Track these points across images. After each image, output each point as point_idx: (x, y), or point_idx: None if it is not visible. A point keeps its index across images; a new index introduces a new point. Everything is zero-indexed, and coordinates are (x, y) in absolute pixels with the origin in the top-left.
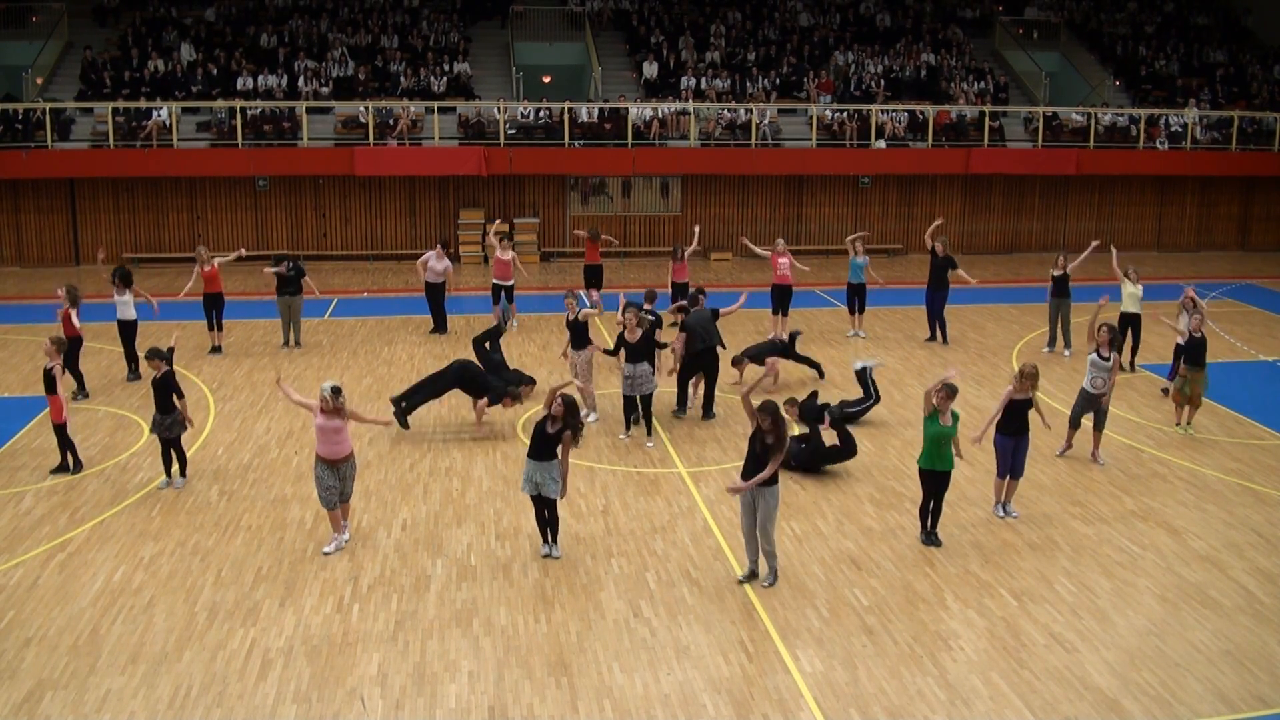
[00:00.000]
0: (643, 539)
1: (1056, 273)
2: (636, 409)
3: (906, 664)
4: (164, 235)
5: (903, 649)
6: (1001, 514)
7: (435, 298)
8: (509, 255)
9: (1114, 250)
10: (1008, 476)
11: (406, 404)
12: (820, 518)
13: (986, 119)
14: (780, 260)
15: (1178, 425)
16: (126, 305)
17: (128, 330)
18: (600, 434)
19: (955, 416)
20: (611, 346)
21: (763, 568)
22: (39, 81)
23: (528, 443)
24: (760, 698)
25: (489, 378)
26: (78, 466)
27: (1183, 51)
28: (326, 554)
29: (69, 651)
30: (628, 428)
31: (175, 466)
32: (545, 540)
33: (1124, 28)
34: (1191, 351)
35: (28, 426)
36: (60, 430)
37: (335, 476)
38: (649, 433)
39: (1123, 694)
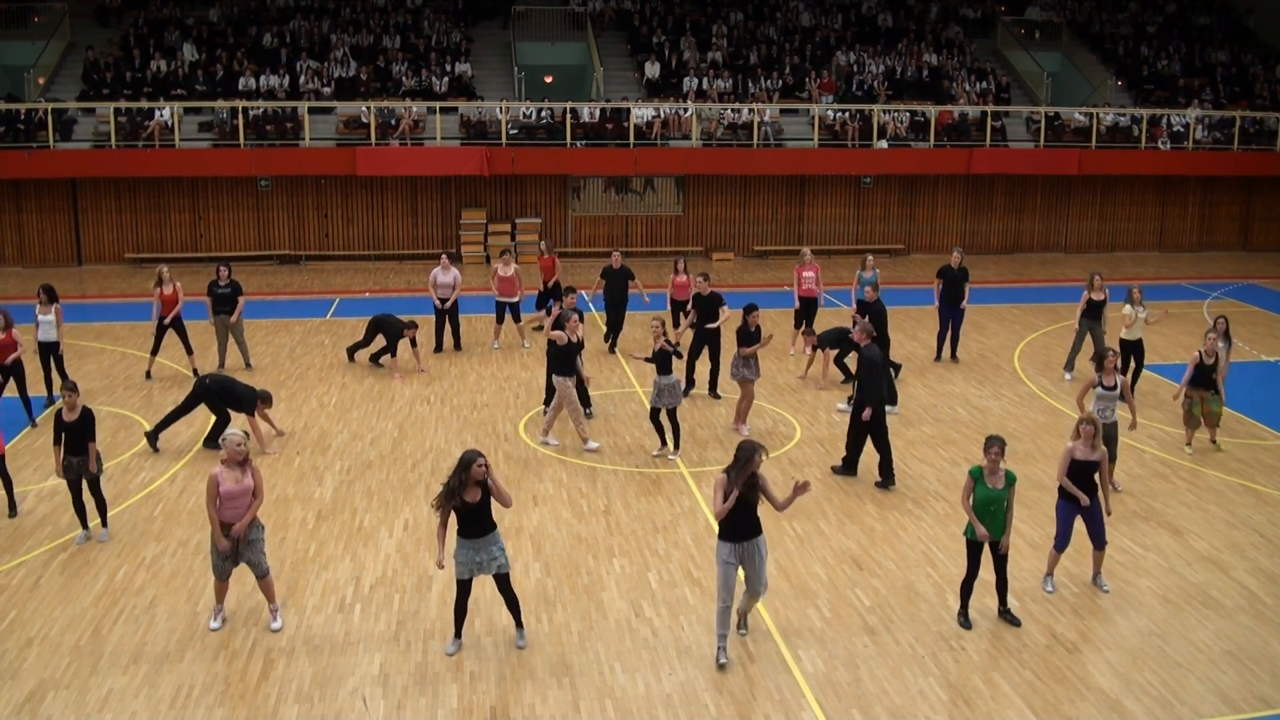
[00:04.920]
0: (644, 539)
1: (1096, 297)
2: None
3: (908, 664)
4: (166, 235)
5: (904, 649)
6: (1049, 588)
7: (442, 315)
8: (511, 271)
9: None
10: (1065, 553)
11: (158, 430)
12: (822, 518)
13: (988, 119)
14: (805, 274)
15: (1187, 445)
16: (49, 325)
17: (49, 352)
18: (604, 434)
19: (1010, 479)
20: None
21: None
22: (41, 81)
23: (530, 444)
24: (762, 698)
25: (238, 388)
26: (10, 511)
27: (1184, 51)
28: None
29: (71, 651)
30: (664, 443)
31: (94, 514)
32: (517, 628)
33: (1126, 28)
34: (1200, 374)
35: (28, 428)
36: None
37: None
38: (671, 443)
39: (1125, 694)
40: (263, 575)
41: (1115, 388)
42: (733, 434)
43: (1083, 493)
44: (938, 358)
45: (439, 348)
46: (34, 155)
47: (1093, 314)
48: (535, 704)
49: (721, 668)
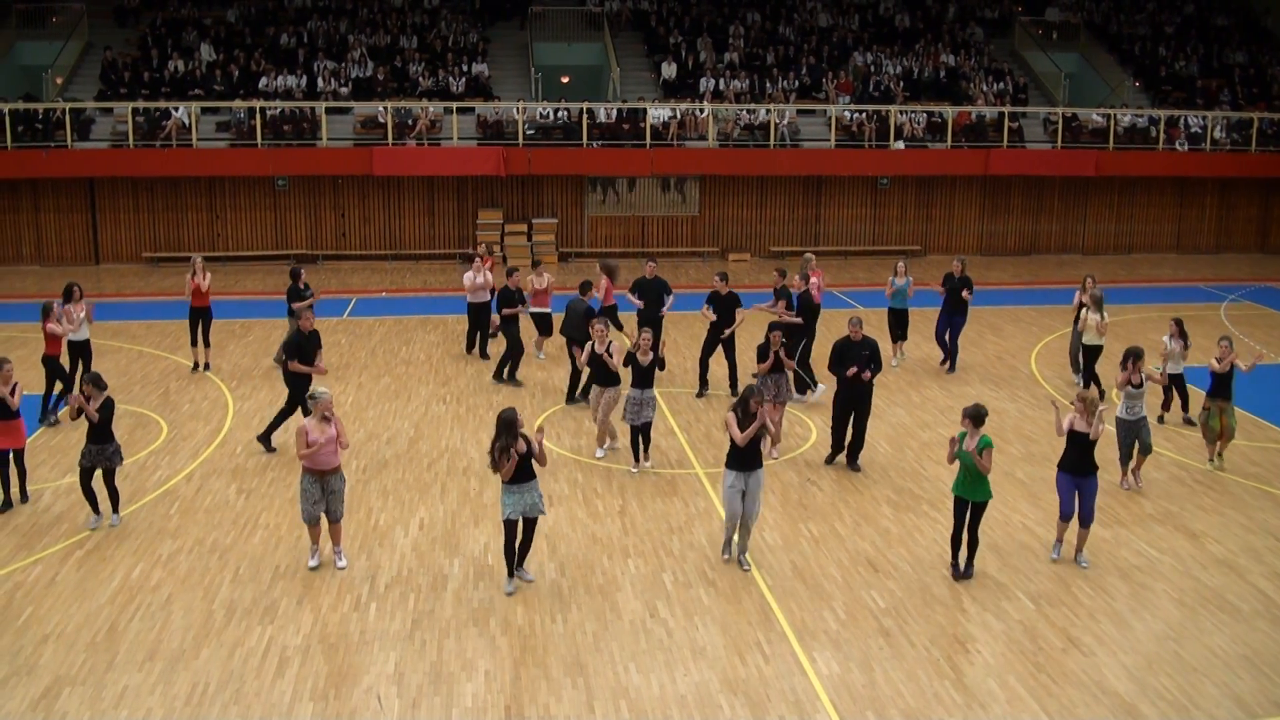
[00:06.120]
0: (659, 540)
1: (1086, 299)
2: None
3: (923, 667)
4: (183, 235)
5: (920, 652)
6: (1057, 555)
7: (477, 318)
8: (545, 282)
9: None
10: (1072, 521)
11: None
12: (838, 519)
13: (1006, 120)
14: (811, 279)
15: (1209, 461)
16: (82, 323)
17: (80, 351)
18: (620, 435)
19: (984, 442)
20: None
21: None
22: (59, 81)
23: (546, 444)
24: (777, 699)
25: (288, 347)
26: (22, 498)
27: (1202, 52)
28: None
29: (87, 648)
30: (638, 460)
31: (106, 504)
32: (518, 566)
33: (1143, 28)
34: (1219, 383)
35: (48, 424)
36: (18, 456)
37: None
38: (647, 456)
39: (1140, 698)
40: (336, 520)
41: (1142, 385)
42: None
43: (1079, 468)
44: (950, 367)
45: (474, 350)
46: (52, 155)
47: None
48: (550, 703)
49: (726, 561)
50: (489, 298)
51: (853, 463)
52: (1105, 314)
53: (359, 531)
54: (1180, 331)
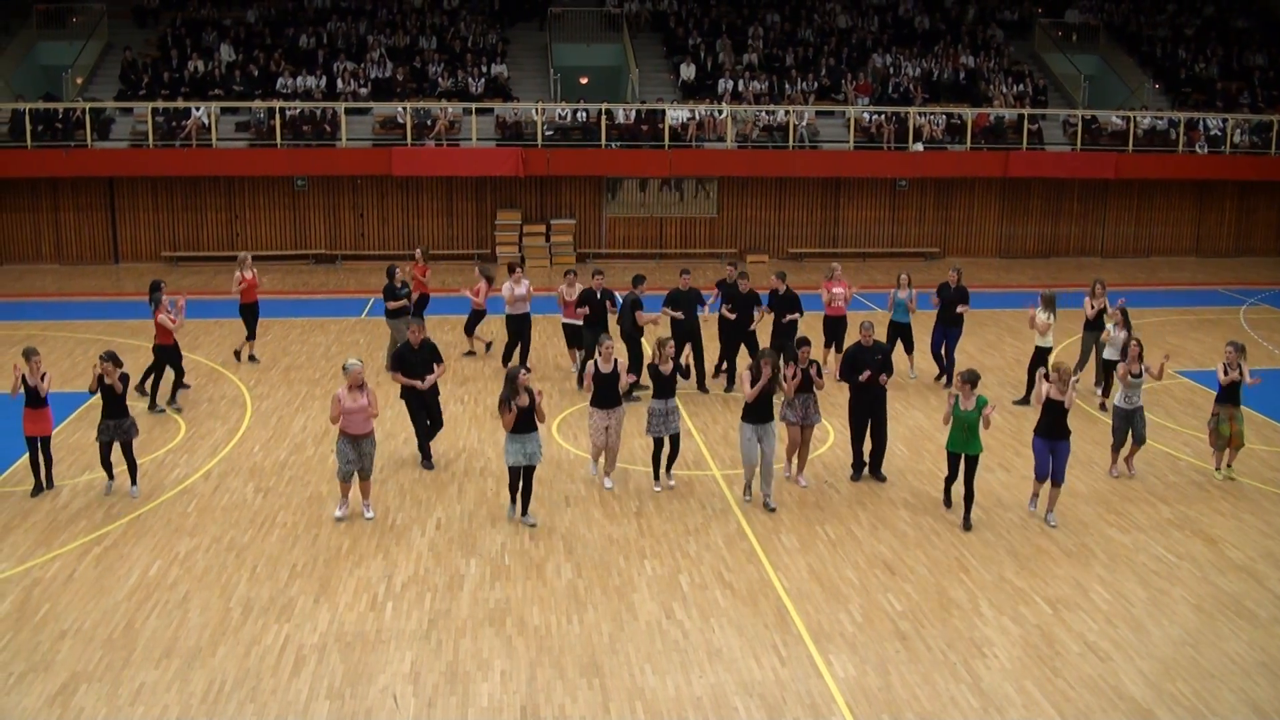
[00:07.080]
0: (676, 541)
1: (1096, 304)
2: (663, 450)
3: (940, 670)
4: (202, 234)
5: (936, 655)
6: (1034, 508)
7: (516, 329)
8: (577, 291)
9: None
10: (1047, 481)
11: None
12: (854, 521)
13: (1025, 122)
14: (835, 290)
15: (1217, 470)
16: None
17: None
18: (634, 434)
19: (981, 402)
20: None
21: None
22: (79, 81)
23: (563, 444)
24: (792, 701)
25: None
26: (49, 484)
27: (1222, 55)
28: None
29: (104, 644)
30: (658, 477)
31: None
32: (521, 509)
33: (1163, 30)
34: (1227, 390)
35: (65, 422)
36: (44, 443)
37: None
38: (670, 472)
39: (1156, 704)
40: (366, 478)
41: (1141, 376)
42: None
43: (1053, 432)
44: (947, 380)
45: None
46: (72, 154)
47: (1094, 324)
48: (565, 704)
49: (747, 502)
50: (528, 309)
51: (876, 472)
52: (1053, 315)
53: (376, 530)
54: (1126, 321)
